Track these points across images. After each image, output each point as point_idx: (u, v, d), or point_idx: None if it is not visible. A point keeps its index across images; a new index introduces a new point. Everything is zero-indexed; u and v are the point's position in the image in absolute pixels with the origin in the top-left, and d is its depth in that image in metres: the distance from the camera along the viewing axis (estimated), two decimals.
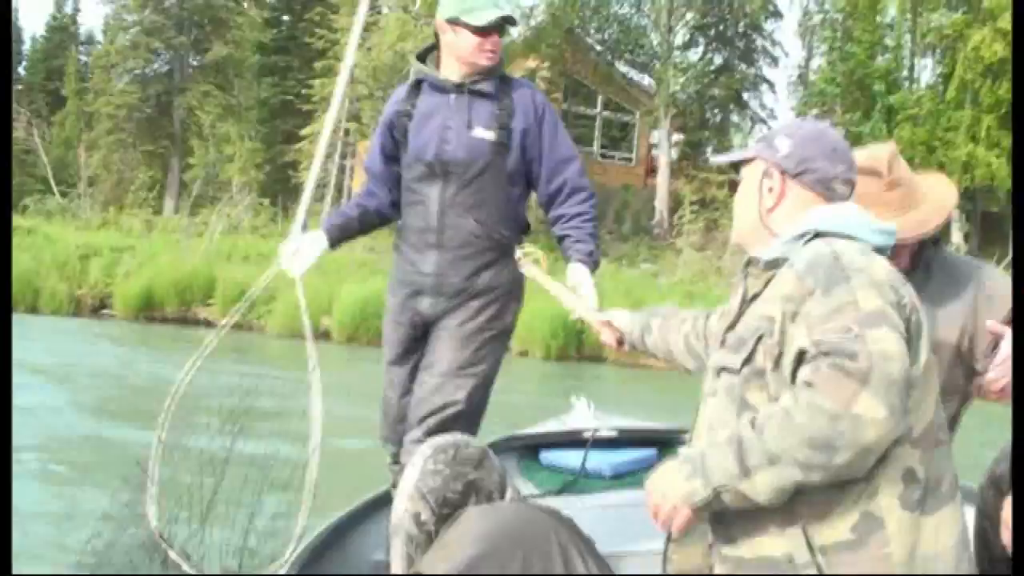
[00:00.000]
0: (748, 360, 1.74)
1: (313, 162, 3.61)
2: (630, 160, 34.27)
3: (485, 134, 3.03)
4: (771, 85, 40.83)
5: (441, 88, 3.09)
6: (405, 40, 28.21)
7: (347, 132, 29.04)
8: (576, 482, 3.99)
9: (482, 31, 3.02)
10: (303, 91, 30.89)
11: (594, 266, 3.05)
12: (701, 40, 34.59)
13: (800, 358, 1.65)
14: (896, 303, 1.67)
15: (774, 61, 35.53)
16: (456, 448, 2.22)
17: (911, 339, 1.67)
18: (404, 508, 2.15)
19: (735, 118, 34.85)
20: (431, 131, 3.07)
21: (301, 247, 3.21)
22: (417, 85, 3.16)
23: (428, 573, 2.01)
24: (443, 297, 3.08)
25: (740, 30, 34.34)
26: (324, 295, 20.60)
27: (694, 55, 34.46)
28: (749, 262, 1.93)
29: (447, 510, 2.12)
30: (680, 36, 33.64)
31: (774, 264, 1.83)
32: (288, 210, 31.07)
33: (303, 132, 30.83)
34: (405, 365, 3.18)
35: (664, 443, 4.51)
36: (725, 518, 1.77)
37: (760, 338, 1.73)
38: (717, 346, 1.91)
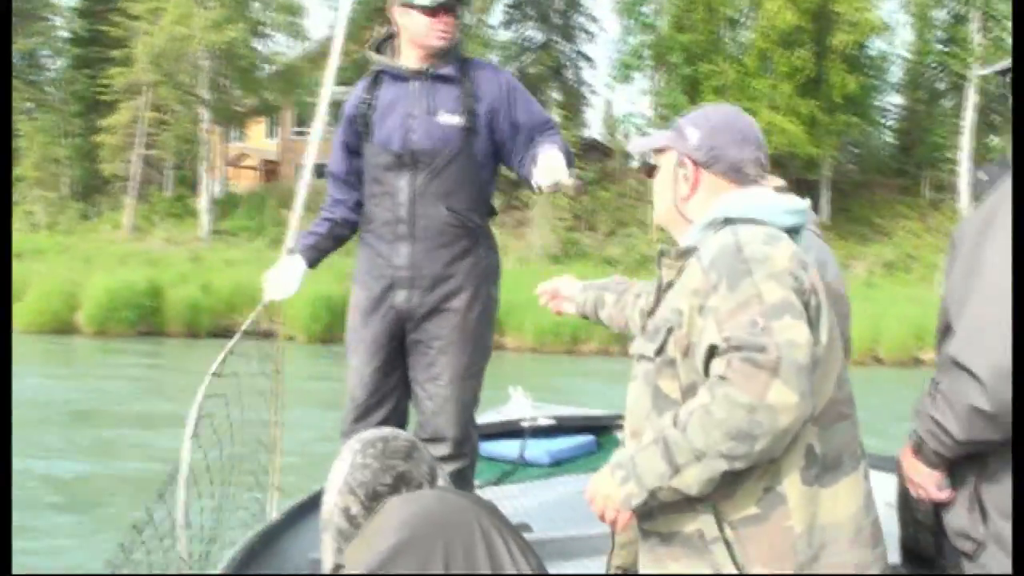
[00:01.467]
0: (660, 350, 1.81)
1: (300, 183, 3.42)
2: None
3: (451, 120, 2.97)
4: (590, 60, 41.37)
5: (401, 76, 3.03)
6: (185, 23, 27.57)
7: None
8: (516, 471, 3.95)
9: (431, 11, 2.96)
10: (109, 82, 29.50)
11: (567, 154, 2.90)
12: (518, 17, 34.87)
13: (711, 352, 1.71)
14: (798, 289, 1.73)
15: (592, 37, 36.19)
16: (385, 441, 2.19)
17: (812, 322, 1.73)
18: (333, 502, 2.13)
19: (555, 95, 35.24)
20: (395, 121, 3.00)
21: (282, 275, 3.16)
22: (376, 77, 3.09)
23: (351, 564, 1.99)
24: (419, 290, 3.00)
25: (558, 7, 34.76)
26: (73, 287, 20.22)
27: (512, 33, 34.75)
28: (662, 252, 1.95)
29: (377, 503, 2.09)
30: (496, 15, 33.82)
31: (687, 253, 1.86)
32: (98, 205, 29.98)
33: (103, 123, 29.56)
34: (376, 363, 3.06)
35: (601, 429, 4.52)
36: None
37: (670, 330, 1.79)
38: (640, 332, 1.96)
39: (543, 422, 4.36)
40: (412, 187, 2.97)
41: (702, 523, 1.76)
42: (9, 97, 22.14)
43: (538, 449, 4.14)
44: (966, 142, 31.45)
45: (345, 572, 2.03)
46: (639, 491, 1.75)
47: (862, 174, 34.42)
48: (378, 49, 3.10)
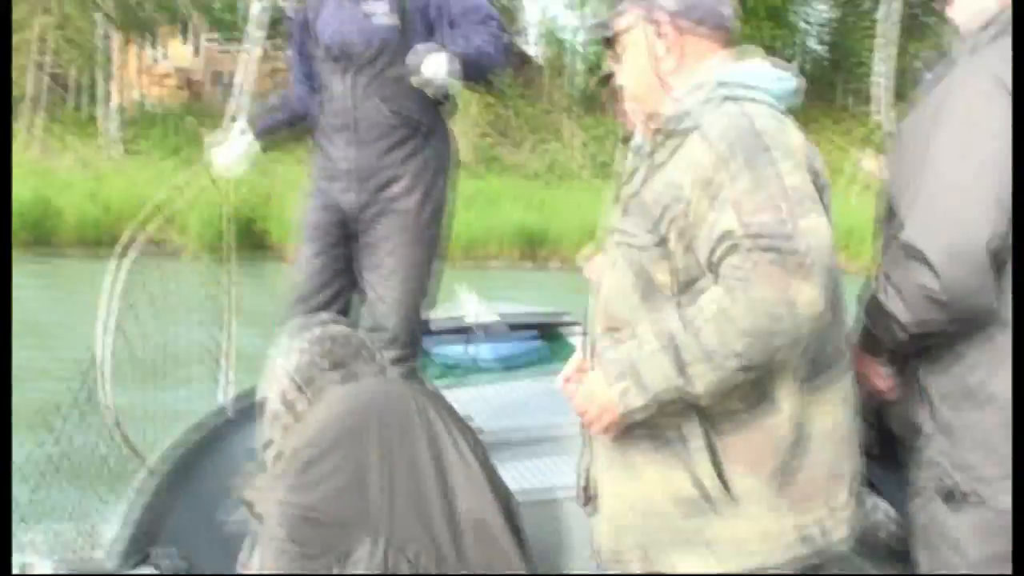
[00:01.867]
0: (654, 235, 1.63)
1: (245, 64, 3.37)
2: None
3: (379, 17, 2.87)
4: None
5: None
6: None
7: None
8: (461, 372, 3.92)
9: None
10: None
11: (466, 59, 2.77)
12: None
13: (723, 240, 1.55)
14: (812, 175, 1.61)
15: None
16: (322, 326, 2.17)
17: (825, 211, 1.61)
18: (271, 390, 2.11)
19: None
20: (327, 15, 2.94)
21: (232, 153, 3.10)
22: None
23: (288, 454, 1.97)
24: (365, 192, 2.96)
25: None
26: None
27: None
28: (627, 139, 1.83)
29: (315, 391, 2.07)
30: None
31: (685, 129, 1.65)
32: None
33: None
34: (321, 256, 3.05)
35: (551, 328, 4.44)
36: None
37: (668, 212, 1.61)
38: (617, 210, 1.76)
39: (492, 322, 4.31)
40: (352, 87, 2.92)
41: (686, 427, 1.64)
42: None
43: (486, 350, 4.10)
44: (885, 50, 31.42)
45: (282, 462, 2.00)
46: (642, 397, 1.60)
47: None
48: None
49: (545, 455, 3.02)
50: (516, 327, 4.39)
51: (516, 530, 2.06)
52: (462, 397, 3.17)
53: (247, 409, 3.09)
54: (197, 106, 30.98)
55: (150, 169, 25.86)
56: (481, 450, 2.10)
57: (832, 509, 1.65)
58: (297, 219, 3.16)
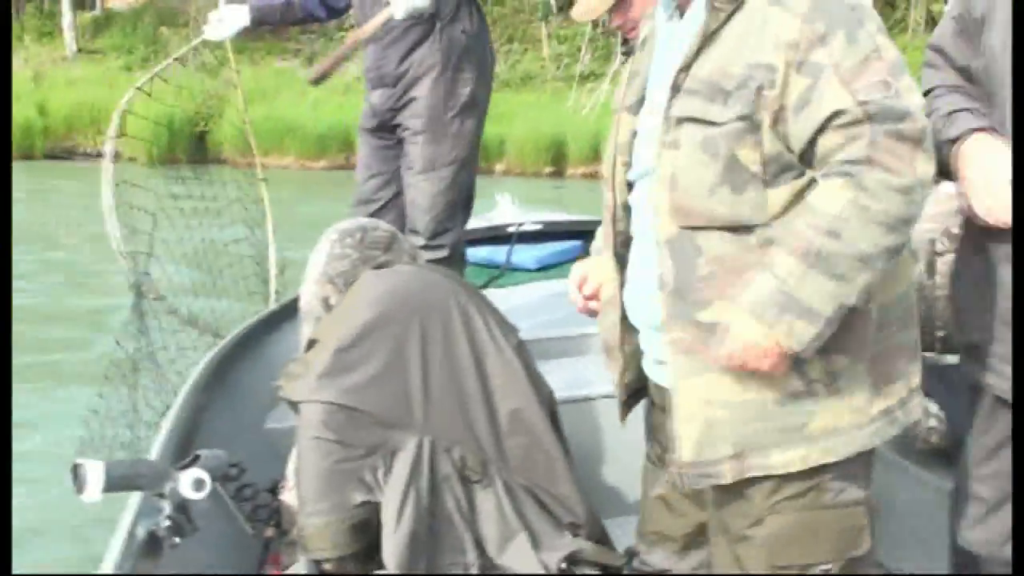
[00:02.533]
0: (732, 110, 1.48)
1: None
2: None
3: None
4: None
5: None
6: None
7: None
8: (502, 276, 4.00)
9: None
10: None
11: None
12: None
13: (832, 119, 1.43)
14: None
15: None
16: (363, 231, 2.12)
17: None
18: (312, 293, 2.07)
19: None
20: None
21: (225, 16, 3.24)
22: None
23: (324, 339, 1.92)
24: (386, 87, 3.08)
25: None
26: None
27: None
28: None
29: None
30: None
31: None
32: None
33: None
34: (369, 149, 3.23)
35: (589, 235, 4.24)
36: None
37: (749, 85, 1.47)
38: (662, 88, 1.58)
39: (530, 227, 4.37)
40: None
41: None
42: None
43: (525, 254, 4.18)
44: None
45: (316, 348, 1.94)
46: (814, 326, 1.46)
47: None
48: None
49: (580, 355, 3.08)
50: (555, 233, 4.43)
51: (558, 429, 2.01)
52: (497, 296, 3.13)
53: (287, 315, 3.17)
54: (154, 5, 30.10)
55: (101, 67, 25.34)
56: (519, 343, 2.04)
57: (911, 390, 1.61)
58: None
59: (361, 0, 3.11)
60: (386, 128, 3.16)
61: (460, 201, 3.12)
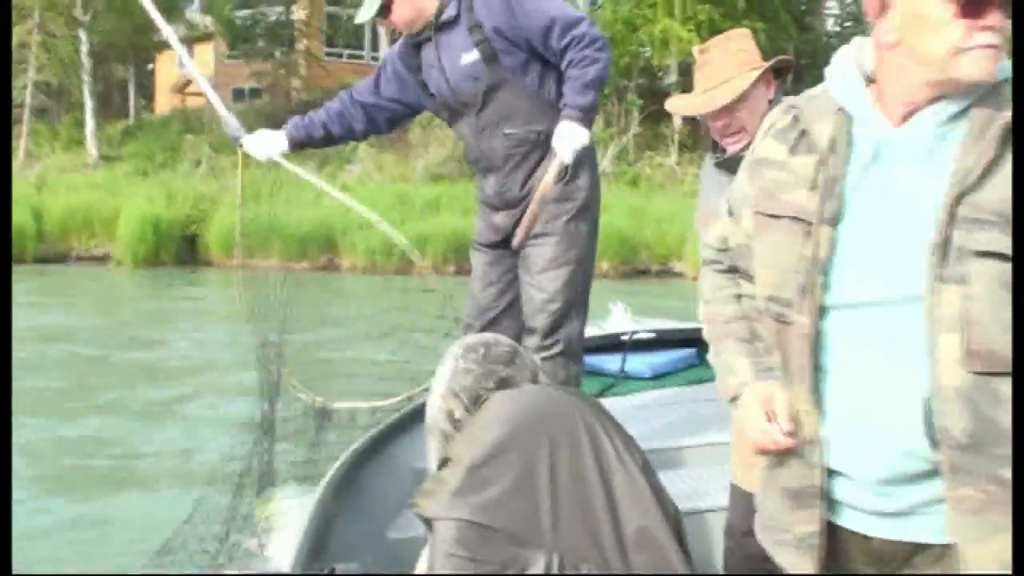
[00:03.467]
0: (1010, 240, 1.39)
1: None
2: (361, 57, 33.65)
3: (470, 56, 3.10)
4: None
5: (423, 39, 3.22)
6: None
7: None
8: (616, 384, 4.04)
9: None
10: None
11: (582, 116, 3.04)
12: None
13: None
14: None
15: None
16: (487, 346, 2.18)
17: None
18: (438, 407, 2.14)
19: None
20: (436, 76, 3.21)
21: (264, 139, 3.41)
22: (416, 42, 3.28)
23: (456, 458, 1.98)
24: (511, 209, 3.23)
25: None
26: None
27: None
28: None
29: (478, 408, 2.09)
30: None
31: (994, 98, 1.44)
32: None
33: None
34: (489, 261, 3.35)
35: (702, 342, 4.38)
36: None
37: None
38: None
39: (643, 335, 4.47)
40: (474, 127, 3.20)
41: None
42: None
43: (639, 362, 4.24)
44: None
45: (448, 467, 1.99)
46: None
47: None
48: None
49: (697, 466, 3.10)
50: (668, 341, 4.51)
51: (683, 546, 2.02)
52: (612, 405, 3.16)
53: (412, 423, 3.26)
54: (184, 113, 31.32)
55: (113, 176, 26.26)
56: (644, 461, 2.06)
57: None
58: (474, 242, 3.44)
59: (474, 130, 3.22)
60: (506, 242, 3.28)
61: (576, 301, 3.22)
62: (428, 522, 1.97)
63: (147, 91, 36.29)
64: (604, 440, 2.01)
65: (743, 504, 2.28)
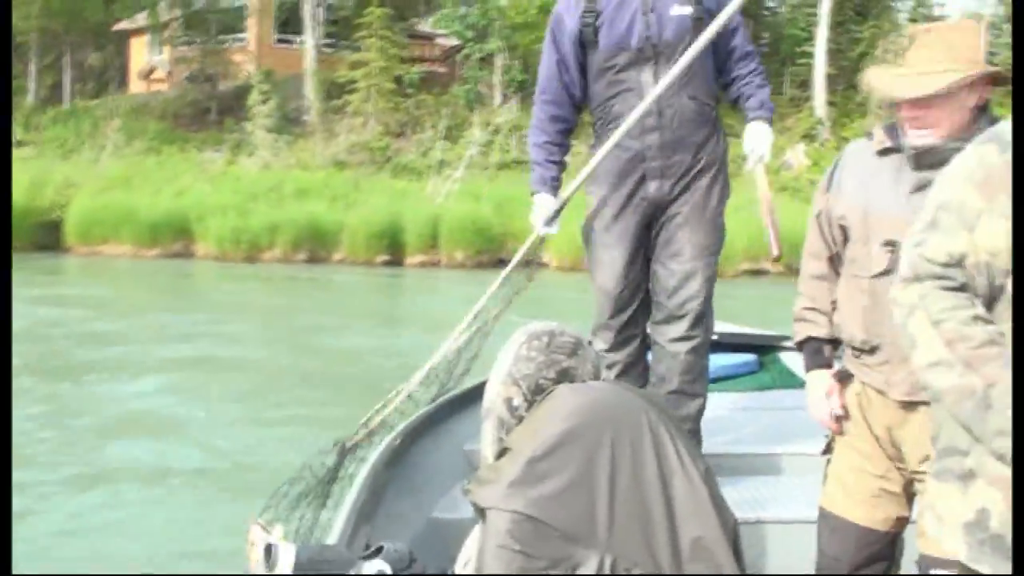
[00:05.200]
0: None
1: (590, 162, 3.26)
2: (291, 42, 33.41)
3: (683, 10, 3.06)
4: None
5: None
6: None
7: None
8: None
9: None
10: None
11: (769, 114, 3.22)
12: None
13: None
14: None
15: None
16: (551, 336, 2.15)
17: None
18: (496, 392, 2.12)
19: None
20: (628, 19, 3.08)
21: (545, 212, 3.22)
22: None
23: (516, 449, 1.96)
24: (670, 179, 3.13)
25: None
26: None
27: None
28: None
29: (539, 397, 2.07)
30: None
31: None
32: None
33: None
34: (629, 255, 3.20)
35: (764, 348, 4.56)
36: None
37: None
38: None
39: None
40: (656, 79, 3.02)
41: None
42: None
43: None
44: (822, 34, 29.45)
45: (507, 457, 1.98)
46: None
47: None
48: None
49: (752, 475, 3.09)
50: (729, 345, 4.44)
51: (739, 559, 1.99)
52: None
53: (466, 403, 3.26)
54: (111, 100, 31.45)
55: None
56: (706, 468, 2.01)
57: None
58: (595, 227, 3.27)
59: (655, 82, 3.04)
60: (648, 221, 3.19)
61: (713, 286, 3.22)
62: (482, 511, 1.94)
63: (122, 75, 36.46)
64: (668, 444, 1.97)
65: (845, 535, 2.34)
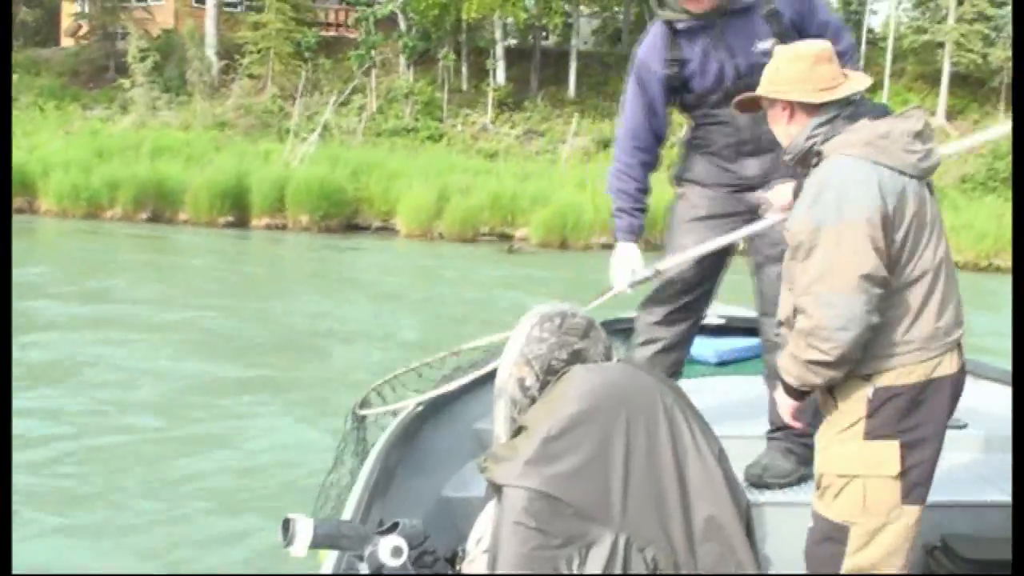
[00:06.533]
0: None
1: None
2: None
3: (765, 45, 3.02)
4: None
5: (702, 24, 3.07)
6: None
7: None
8: (681, 368, 3.92)
9: None
10: None
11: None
12: None
13: None
14: None
15: None
16: (563, 317, 2.18)
17: None
18: (509, 372, 2.14)
19: None
20: (717, 67, 3.08)
21: (628, 267, 3.23)
22: (669, 30, 3.12)
23: (532, 427, 1.98)
24: (764, 154, 3.14)
25: None
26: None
27: None
28: None
29: (551, 377, 2.10)
30: None
31: None
32: None
33: None
34: (711, 258, 3.23)
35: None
36: None
37: None
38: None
39: (712, 320, 4.35)
40: (752, 114, 2.97)
41: None
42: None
43: (705, 347, 4.19)
44: None
45: (523, 436, 2.00)
46: None
47: (599, 45, 33.35)
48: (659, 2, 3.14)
49: (753, 458, 3.11)
50: (737, 329, 4.45)
51: (751, 540, 2.02)
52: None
53: (477, 383, 3.26)
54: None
55: None
56: (720, 450, 2.05)
57: None
58: (679, 215, 3.29)
59: (754, 115, 2.91)
60: (740, 220, 3.18)
61: None
62: (498, 488, 1.95)
63: (55, 33, 36.03)
64: (682, 425, 2.00)
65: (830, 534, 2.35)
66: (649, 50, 3.17)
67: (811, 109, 2.39)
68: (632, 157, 3.25)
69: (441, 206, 19.89)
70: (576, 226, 19.39)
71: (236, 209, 19.76)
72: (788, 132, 2.45)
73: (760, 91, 2.48)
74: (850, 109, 2.36)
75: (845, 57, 3.05)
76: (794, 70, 2.41)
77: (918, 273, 2.25)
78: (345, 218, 20.32)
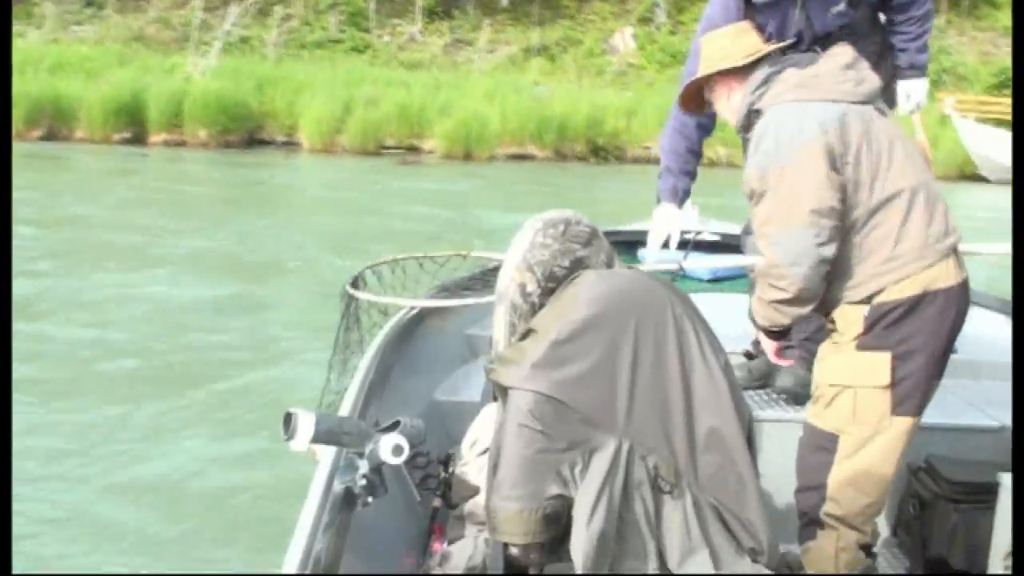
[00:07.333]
0: None
1: None
2: None
3: (838, 7, 3.00)
4: None
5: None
6: None
7: None
8: (673, 281, 3.93)
9: None
10: None
11: (924, 71, 3.23)
12: None
13: None
14: None
15: None
16: (567, 224, 2.16)
17: None
18: (511, 277, 2.12)
19: None
20: (796, 31, 3.01)
21: (661, 231, 3.31)
22: (741, 3, 3.03)
23: (541, 331, 1.97)
24: None
25: None
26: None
27: None
28: None
29: (552, 284, 2.09)
30: None
31: None
32: None
33: None
34: None
35: None
36: None
37: None
38: None
39: (708, 237, 4.43)
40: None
41: None
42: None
43: (699, 263, 4.26)
44: None
45: (530, 339, 1.99)
46: None
47: None
48: None
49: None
50: (731, 246, 4.46)
51: (752, 453, 2.04)
52: None
53: (464, 290, 3.30)
54: None
55: None
56: (726, 361, 2.04)
57: None
58: None
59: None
60: None
61: None
62: (504, 390, 1.96)
63: None
64: (690, 334, 1.99)
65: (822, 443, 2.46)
66: (723, 12, 3.04)
67: (743, 77, 2.49)
68: (692, 119, 3.17)
69: (345, 119, 19.56)
70: (481, 137, 19.10)
71: (133, 125, 19.40)
72: (731, 108, 2.54)
73: (695, 79, 2.61)
74: (779, 65, 2.45)
75: (926, 20, 3.17)
76: (718, 47, 2.53)
77: (891, 190, 2.31)
78: (247, 133, 19.97)
